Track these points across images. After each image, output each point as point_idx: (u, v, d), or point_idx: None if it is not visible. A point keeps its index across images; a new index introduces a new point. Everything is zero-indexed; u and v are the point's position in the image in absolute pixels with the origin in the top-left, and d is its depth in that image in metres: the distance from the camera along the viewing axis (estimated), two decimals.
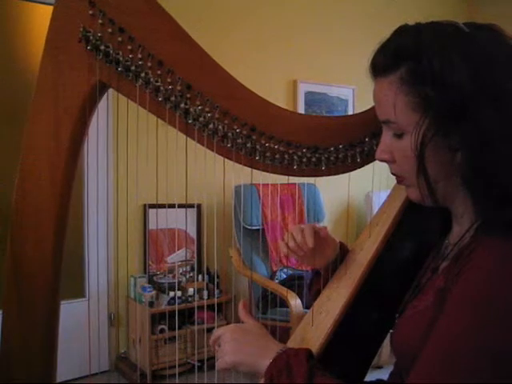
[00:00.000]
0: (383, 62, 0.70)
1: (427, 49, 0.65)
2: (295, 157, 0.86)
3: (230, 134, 0.84)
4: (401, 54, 0.68)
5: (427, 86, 0.65)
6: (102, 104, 0.86)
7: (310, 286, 1.05)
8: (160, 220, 2.95)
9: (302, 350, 0.73)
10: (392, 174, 0.77)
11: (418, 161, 0.68)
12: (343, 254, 0.99)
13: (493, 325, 0.59)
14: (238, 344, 0.76)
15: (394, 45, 0.69)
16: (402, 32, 0.70)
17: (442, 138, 0.66)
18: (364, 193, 3.52)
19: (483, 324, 0.59)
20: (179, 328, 2.75)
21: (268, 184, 2.83)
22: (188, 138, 0.84)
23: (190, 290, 2.81)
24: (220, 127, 0.83)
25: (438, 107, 0.65)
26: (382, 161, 0.76)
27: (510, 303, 0.59)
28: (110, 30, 0.80)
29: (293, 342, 0.88)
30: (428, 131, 0.66)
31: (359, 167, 0.91)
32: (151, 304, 2.71)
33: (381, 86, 0.71)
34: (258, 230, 3.01)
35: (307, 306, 2.44)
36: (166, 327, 2.73)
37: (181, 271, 3.02)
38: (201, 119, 0.83)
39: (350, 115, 2.69)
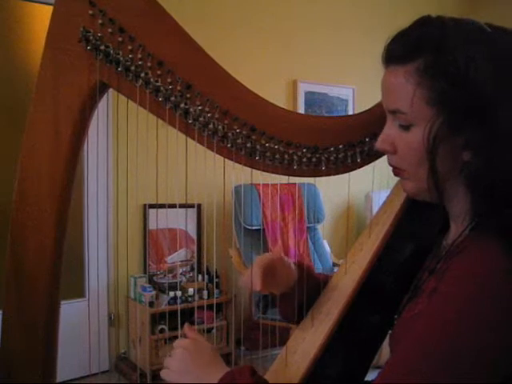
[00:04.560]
0: (402, 50, 0.67)
1: (453, 44, 0.63)
2: (295, 157, 0.86)
3: (229, 134, 0.83)
4: (423, 44, 0.65)
5: (447, 82, 0.63)
6: (102, 104, 0.86)
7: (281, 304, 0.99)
8: (160, 220, 2.95)
9: (245, 366, 0.72)
10: (390, 164, 0.75)
11: (430, 157, 0.66)
12: (304, 274, 0.95)
13: (473, 326, 0.58)
14: (186, 365, 0.74)
15: (417, 34, 0.67)
16: (426, 22, 0.67)
17: (452, 135, 0.65)
18: (364, 193, 3.52)
19: (462, 325, 0.58)
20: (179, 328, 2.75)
21: (268, 184, 2.83)
22: (188, 138, 0.84)
23: (190, 290, 2.82)
24: (220, 127, 0.83)
25: (456, 104, 0.63)
26: (381, 151, 0.75)
27: (492, 305, 0.58)
28: (110, 30, 0.79)
29: (293, 342, 0.88)
30: (441, 127, 0.64)
31: (359, 167, 0.90)
32: (151, 304, 2.71)
33: (395, 74, 0.68)
34: (258, 230, 3.01)
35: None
36: (165, 327, 2.73)
37: (181, 271, 3.02)
38: (201, 119, 0.82)
39: (351, 115, 2.70)
